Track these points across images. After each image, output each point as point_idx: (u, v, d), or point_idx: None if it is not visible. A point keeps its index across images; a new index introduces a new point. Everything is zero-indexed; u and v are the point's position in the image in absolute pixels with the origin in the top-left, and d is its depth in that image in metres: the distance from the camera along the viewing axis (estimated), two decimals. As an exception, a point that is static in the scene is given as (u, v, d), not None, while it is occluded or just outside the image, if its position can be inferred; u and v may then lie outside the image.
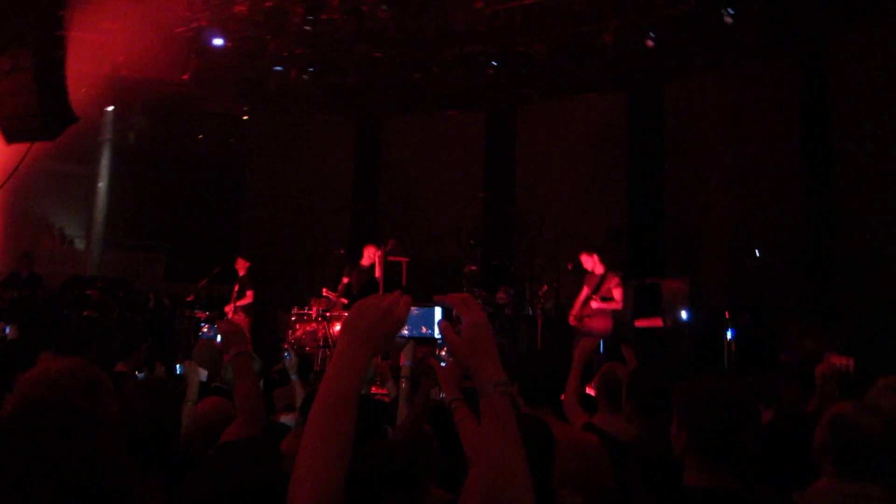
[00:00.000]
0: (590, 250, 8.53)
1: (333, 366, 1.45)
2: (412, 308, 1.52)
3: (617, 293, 8.10)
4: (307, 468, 1.36)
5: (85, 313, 9.60)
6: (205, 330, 3.57)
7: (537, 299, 9.33)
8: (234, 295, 10.32)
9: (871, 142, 8.65)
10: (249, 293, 10.30)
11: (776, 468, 2.58)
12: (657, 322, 8.65)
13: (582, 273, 8.61)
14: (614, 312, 8.21)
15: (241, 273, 10.43)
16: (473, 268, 10.40)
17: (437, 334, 7.69)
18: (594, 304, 8.15)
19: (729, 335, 7.81)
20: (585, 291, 8.41)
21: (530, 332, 9.41)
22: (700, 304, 9.00)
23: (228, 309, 10.28)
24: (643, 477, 2.63)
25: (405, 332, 2.16)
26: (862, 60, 8.96)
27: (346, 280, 9.78)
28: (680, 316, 8.73)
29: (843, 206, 9.00)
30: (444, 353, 7.39)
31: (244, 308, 10.28)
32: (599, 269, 8.40)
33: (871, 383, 3.09)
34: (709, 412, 2.02)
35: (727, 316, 7.95)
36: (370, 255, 9.78)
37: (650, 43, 9.70)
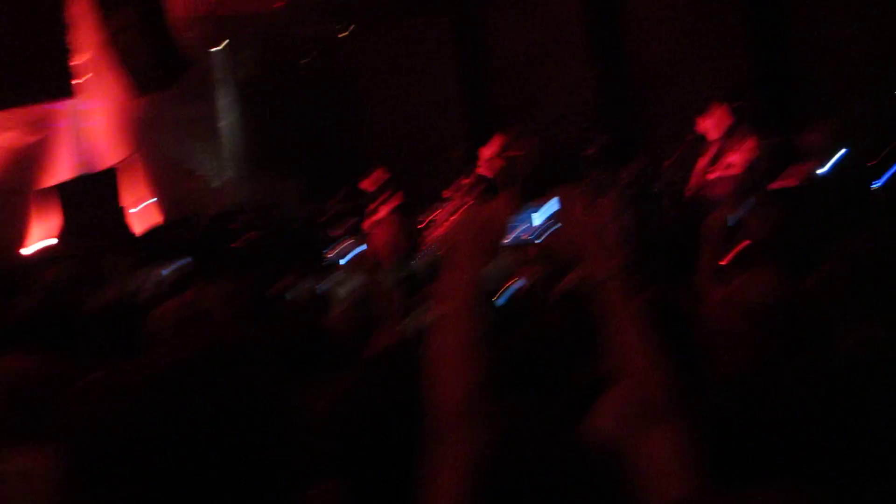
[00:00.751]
0: (704, 115, 8.03)
1: (444, 280, 1.50)
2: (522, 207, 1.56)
3: (735, 158, 7.63)
4: (439, 372, 1.42)
5: (233, 245, 10.07)
6: (341, 251, 3.73)
7: (661, 174, 9.03)
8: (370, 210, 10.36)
9: None
10: (386, 204, 10.34)
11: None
12: (792, 181, 8.13)
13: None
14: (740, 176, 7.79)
15: (372, 189, 10.45)
16: (593, 150, 10.15)
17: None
18: (716, 173, 7.72)
19: (879, 182, 7.23)
20: (703, 161, 7.99)
21: (658, 209, 9.16)
22: (842, 155, 8.31)
23: (367, 224, 10.32)
24: (793, 341, 2.58)
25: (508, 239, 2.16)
26: None
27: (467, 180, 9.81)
28: (819, 171, 8.15)
29: None
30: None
31: (384, 220, 10.29)
32: (716, 134, 7.93)
33: None
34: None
35: (874, 162, 7.34)
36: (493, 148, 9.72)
37: None
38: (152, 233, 10.97)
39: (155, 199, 12.08)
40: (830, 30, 9.57)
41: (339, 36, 13.43)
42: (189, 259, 6.69)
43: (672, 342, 2.58)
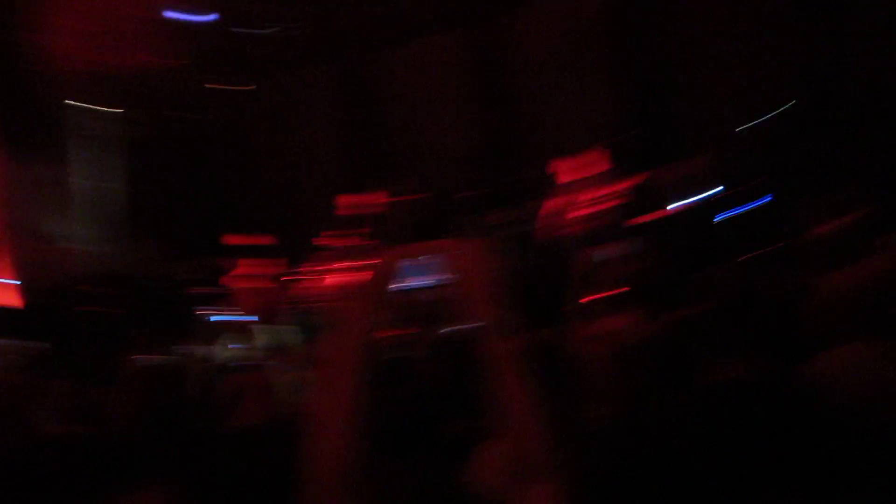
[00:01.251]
0: (561, 158, 8.46)
1: (332, 329, 1.49)
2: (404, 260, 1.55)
3: (589, 197, 8.07)
4: (319, 431, 1.40)
5: (88, 308, 9.58)
6: (210, 311, 3.57)
7: (536, 216, 9.28)
8: (238, 268, 10.26)
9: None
10: (256, 261, 10.22)
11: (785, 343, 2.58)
12: (658, 214, 8.54)
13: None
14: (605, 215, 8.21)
15: (246, 245, 10.35)
16: (472, 192, 10.33)
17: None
18: (575, 213, 8.11)
19: (729, 215, 7.70)
20: (556, 202, 8.37)
21: (531, 250, 9.37)
22: (691, 189, 8.82)
23: (235, 282, 10.19)
24: (663, 376, 2.63)
25: (396, 286, 2.18)
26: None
27: (333, 235, 9.85)
28: (682, 202, 8.60)
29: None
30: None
31: (253, 278, 10.21)
32: (572, 177, 8.36)
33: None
34: (738, 308, 2.04)
35: (732, 193, 7.82)
36: (348, 204, 9.82)
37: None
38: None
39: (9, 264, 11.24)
40: (689, 80, 10.20)
41: (232, 89, 13.12)
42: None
43: (548, 386, 2.59)
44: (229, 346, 4.19)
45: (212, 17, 11.49)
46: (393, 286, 1.64)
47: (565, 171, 8.43)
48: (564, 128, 11.06)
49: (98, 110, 12.74)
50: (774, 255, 6.27)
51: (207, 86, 13.01)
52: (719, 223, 7.77)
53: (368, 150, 12.84)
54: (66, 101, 12.34)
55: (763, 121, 8.52)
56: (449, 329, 4.13)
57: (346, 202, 10.08)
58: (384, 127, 12.84)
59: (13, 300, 10.14)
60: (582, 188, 8.19)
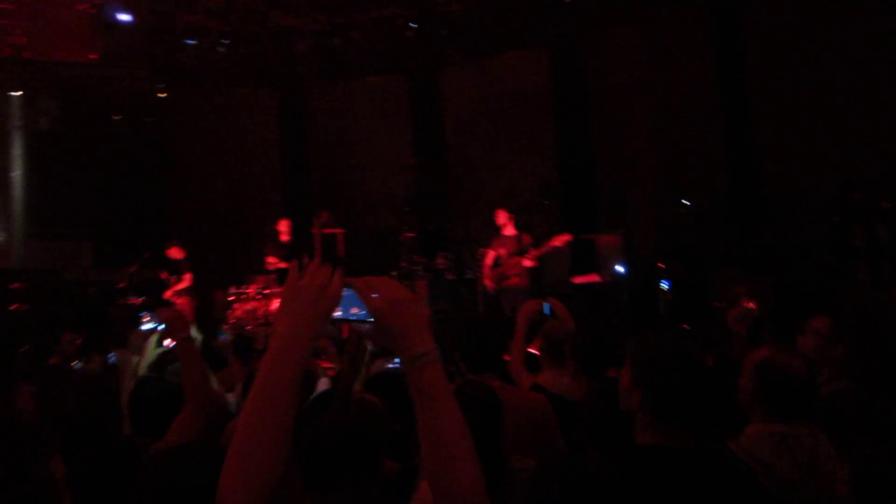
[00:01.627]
0: (502, 207, 8.70)
1: (272, 350, 1.41)
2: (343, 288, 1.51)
3: (558, 242, 8.27)
4: (242, 457, 1.31)
5: (12, 308, 9.26)
6: (145, 320, 3.45)
7: (476, 262, 9.38)
8: (173, 281, 10.11)
9: (786, 80, 8.87)
10: (187, 276, 10.10)
11: (716, 417, 2.67)
12: (594, 277, 8.81)
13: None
14: (547, 268, 8.42)
15: (178, 257, 10.19)
16: (410, 235, 10.37)
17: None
18: (527, 262, 8.28)
19: (664, 285, 8.00)
20: (493, 254, 8.56)
21: (471, 296, 9.47)
22: (634, 256, 9.19)
23: (167, 294, 10.06)
24: (592, 435, 2.68)
25: (337, 314, 2.16)
26: (773, 1, 9.15)
27: (270, 259, 9.80)
28: (615, 270, 8.91)
29: (764, 147, 9.25)
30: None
31: (186, 291, 10.07)
32: (512, 231, 8.54)
33: (796, 325, 3.22)
34: (666, 375, 2.05)
35: (661, 266, 8.13)
36: (286, 229, 9.83)
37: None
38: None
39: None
40: (627, 142, 10.58)
41: (158, 95, 12.87)
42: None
43: (483, 428, 2.61)
44: (159, 359, 4.06)
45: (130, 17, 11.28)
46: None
47: (506, 223, 8.60)
48: (507, 179, 11.29)
49: (30, 101, 12.31)
50: (699, 328, 6.53)
51: (160, 94, 12.77)
52: (655, 291, 8.02)
53: (307, 179, 12.80)
54: (4, 89, 11.93)
55: (693, 203, 8.91)
56: (384, 360, 4.10)
57: (286, 227, 10.01)
58: (326, 155, 12.82)
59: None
60: (521, 242, 8.36)
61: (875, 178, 7.21)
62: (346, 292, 1.63)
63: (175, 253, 10.15)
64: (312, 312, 1.45)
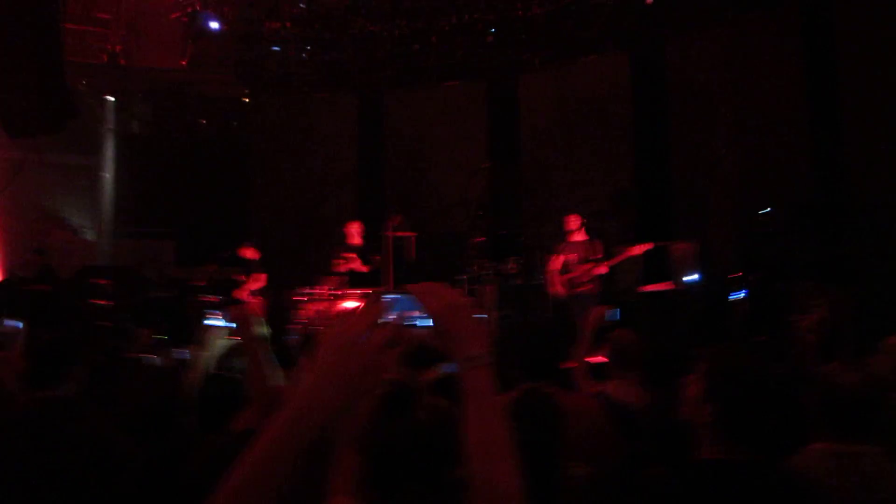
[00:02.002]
0: (575, 212, 8.55)
1: (286, 416, 1.31)
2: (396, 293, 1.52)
3: (638, 250, 8.15)
4: None
5: (95, 302, 9.68)
6: (212, 316, 3.52)
7: (545, 271, 9.30)
8: (245, 280, 10.38)
9: (878, 89, 8.49)
10: (261, 276, 10.33)
11: (784, 432, 2.57)
12: (667, 286, 8.59)
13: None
14: (618, 276, 8.27)
15: (252, 258, 10.45)
16: (482, 239, 10.36)
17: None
18: (601, 270, 8.15)
19: (740, 295, 7.75)
20: (562, 259, 8.41)
21: (540, 302, 9.39)
22: (710, 265, 8.93)
23: (241, 293, 10.33)
24: (654, 445, 2.62)
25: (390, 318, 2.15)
26: (867, 5, 8.77)
27: (338, 261, 9.90)
28: (689, 279, 8.67)
29: (852, 157, 8.86)
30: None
31: (259, 291, 10.31)
32: (583, 236, 8.38)
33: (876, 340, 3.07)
34: (741, 392, 2.02)
35: (738, 276, 7.88)
36: (356, 232, 9.90)
37: (649, 0, 9.56)
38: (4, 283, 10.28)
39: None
40: (707, 148, 10.30)
41: (243, 100, 13.31)
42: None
43: (541, 435, 2.58)
44: (228, 355, 4.17)
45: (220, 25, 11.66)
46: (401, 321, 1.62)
47: (577, 228, 8.48)
48: (583, 186, 11.16)
49: (123, 105, 12.89)
50: (774, 341, 6.28)
51: (244, 99, 13.21)
52: (728, 303, 7.79)
53: (383, 181, 12.97)
54: (99, 94, 12.54)
55: (774, 212, 8.61)
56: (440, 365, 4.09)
57: (357, 230, 10.11)
58: (402, 159, 12.97)
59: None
60: (593, 248, 8.22)
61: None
62: (402, 297, 1.65)
63: (249, 253, 10.41)
64: (347, 372, 1.35)
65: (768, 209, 8.69)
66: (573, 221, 8.56)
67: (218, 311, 3.66)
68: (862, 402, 2.28)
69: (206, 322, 3.62)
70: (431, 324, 1.47)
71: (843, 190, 8.87)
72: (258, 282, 10.31)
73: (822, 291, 6.68)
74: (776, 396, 2.04)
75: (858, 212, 8.50)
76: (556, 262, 8.52)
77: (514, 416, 2.60)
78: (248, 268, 10.41)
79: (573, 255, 8.41)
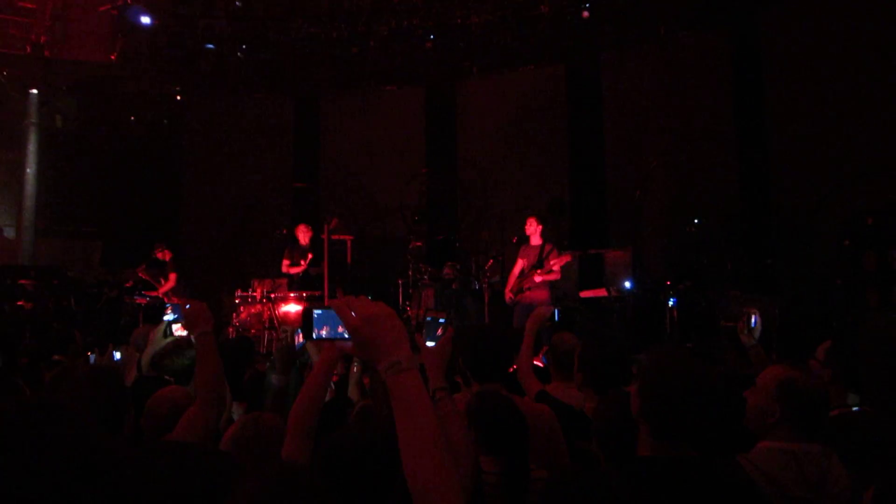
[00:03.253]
0: (539, 218, 8.50)
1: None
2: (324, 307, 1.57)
3: (556, 264, 8.11)
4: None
5: (18, 304, 9.30)
6: (168, 311, 3.41)
7: (483, 273, 9.37)
8: (162, 281, 10.17)
9: (803, 104, 8.90)
10: (172, 276, 10.13)
11: (723, 431, 2.66)
12: (601, 292, 8.78)
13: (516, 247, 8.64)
14: (556, 283, 8.28)
15: (165, 259, 10.25)
16: (418, 244, 10.38)
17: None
18: (538, 278, 8.12)
19: (671, 303, 7.98)
20: (521, 264, 8.40)
21: (477, 307, 9.46)
22: (642, 273, 9.18)
23: (159, 294, 10.11)
24: (604, 447, 2.67)
25: (323, 333, 2.24)
26: (791, 29, 9.18)
27: (287, 261, 9.78)
28: (623, 286, 8.88)
29: (777, 169, 9.25)
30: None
31: (174, 292, 10.10)
32: (538, 241, 8.40)
33: (802, 346, 3.21)
34: (667, 389, 2.05)
35: (668, 284, 8.11)
36: (304, 234, 9.82)
37: (586, 14, 9.78)
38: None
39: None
40: (640, 159, 10.59)
41: (176, 98, 12.96)
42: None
43: (509, 439, 2.61)
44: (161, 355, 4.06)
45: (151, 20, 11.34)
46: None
47: (536, 231, 8.43)
48: (519, 193, 11.31)
49: (48, 99, 12.40)
50: (702, 346, 6.49)
51: (177, 97, 12.86)
52: (662, 308, 8.01)
53: (318, 185, 12.84)
54: (22, 86, 12.05)
55: (704, 222, 8.92)
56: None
57: (305, 232, 9.95)
58: (339, 164, 12.89)
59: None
60: (536, 254, 8.25)
61: (889, 204, 7.19)
62: (328, 312, 1.71)
63: (163, 254, 10.22)
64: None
65: (697, 220, 8.98)
66: (530, 224, 8.44)
67: (170, 306, 3.56)
68: (823, 405, 2.37)
69: (165, 318, 3.54)
70: (351, 336, 1.53)
71: (767, 203, 9.25)
72: (170, 282, 10.11)
73: (750, 300, 6.96)
74: (708, 396, 2.08)
75: (782, 224, 8.88)
76: (516, 266, 8.45)
77: (476, 420, 2.63)
78: (163, 269, 10.21)
79: (524, 260, 8.38)
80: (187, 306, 2.97)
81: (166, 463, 1.72)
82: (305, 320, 2.03)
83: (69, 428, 1.39)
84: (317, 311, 2.08)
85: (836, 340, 3.47)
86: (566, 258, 8.04)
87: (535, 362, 4.74)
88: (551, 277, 8.08)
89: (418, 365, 1.53)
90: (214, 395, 2.82)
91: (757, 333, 3.87)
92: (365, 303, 1.55)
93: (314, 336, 2.10)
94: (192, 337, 2.89)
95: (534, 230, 8.36)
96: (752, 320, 3.83)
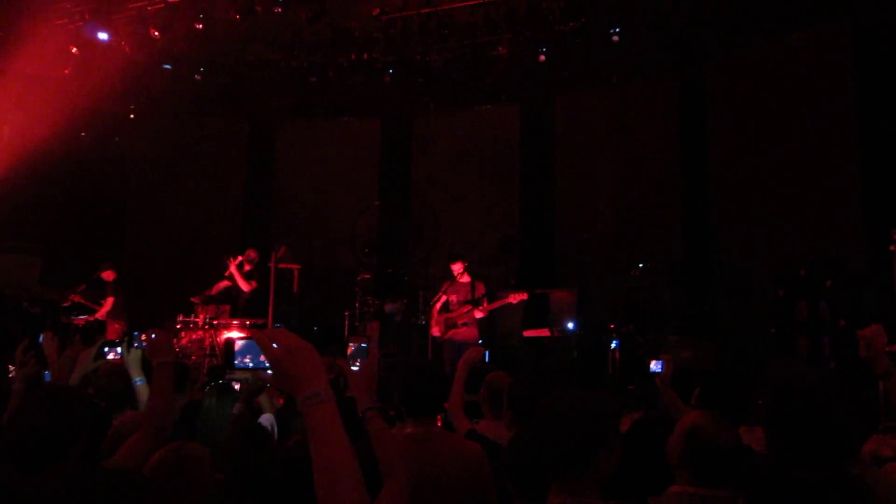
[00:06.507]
0: (460, 259, 8.61)
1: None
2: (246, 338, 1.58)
3: (485, 302, 8.26)
4: None
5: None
6: (135, 342, 3.31)
7: (430, 308, 9.37)
8: (102, 302, 9.94)
9: (744, 156, 9.19)
10: (110, 299, 9.90)
11: (636, 473, 2.68)
12: (544, 332, 8.85)
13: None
14: (499, 320, 8.38)
15: (108, 279, 10.01)
16: (367, 276, 10.34)
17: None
18: (479, 314, 8.23)
19: (613, 345, 8.08)
20: (444, 299, 8.51)
21: (422, 341, 9.43)
22: (586, 314, 9.29)
23: (99, 316, 9.86)
24: (515, 485, 2.67)
25: (247, 361, 2.28)
26: (735, 80, 9.53)
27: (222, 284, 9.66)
28: (567, 326, 8.97)
29: (719, 218, 9.50)
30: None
31: (112, 315, 9.87)
32: (466, 279, 8.49)
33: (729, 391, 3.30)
34: (554, 428, 2.06)
35: (612, 327, 8.22)
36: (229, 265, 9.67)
37: (542, 57, 10.00)
38: None
39: None
40: (589, 202, 10.78)
41: (129, 117, 12.77)
42: None
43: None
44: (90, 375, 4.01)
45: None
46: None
47: (461, 273, 8.52)
48: (470, 230, 11.40)
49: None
50: (641, 389, 6.56)
51: (130, 115, 12.68)
52: (604, 350, 8.10)
53: (268, 213, 12.75)
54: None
55: (647, 266, 9.10)
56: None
57: (242, 258, 9.82)
58: (290, 192, 12.83)
59: None
60: (477, 290, 8.32)
61: (821, 256, 7.44)
62: (250, 343, 1.72)
63: (107, 275, 9.99)
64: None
65: (641, 264, 9.15)
66: (457, 267, 8.57)
67: (136, 335, 3.54)
68: (729, 453, 2.41)
69: (134, 345, 3.54)
70: (271, 367, 1.55)
71: (709, 249, 9.48)
72: (106, 305, 9.88)
73: (688, 344, 7.09)
74: (603, 435, 2.07)
75: (722, 271, 9.10)
76: (439, 301, 8.57)
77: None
78: (103, 290, 9.98)
79: (454, 295, 8.48)
80: (153, 335, 3.06)
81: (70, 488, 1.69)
82: (227, 350, 2.03)
83: None
84: (239, 342, 2.07)
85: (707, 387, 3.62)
86: (522, 296, 8.18)
87: (473, 398, 4.75)
88: (479, 315, 8.23)
89: (334, 397, 1.54)
90: (162, 423, 2.87)
91: (666, 377, 3.97)
92: (286, 335, 1.58)
93: (236, 365, 2.09)
94: (153, 364, 2.96)
95: (459, 270, 8.46)
96: (655, 365, 3.94)
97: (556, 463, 2.05)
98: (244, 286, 9.57)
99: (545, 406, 2.13)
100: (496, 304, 8.46)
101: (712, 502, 2.34)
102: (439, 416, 3.70)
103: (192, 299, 9.60)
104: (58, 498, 1.57)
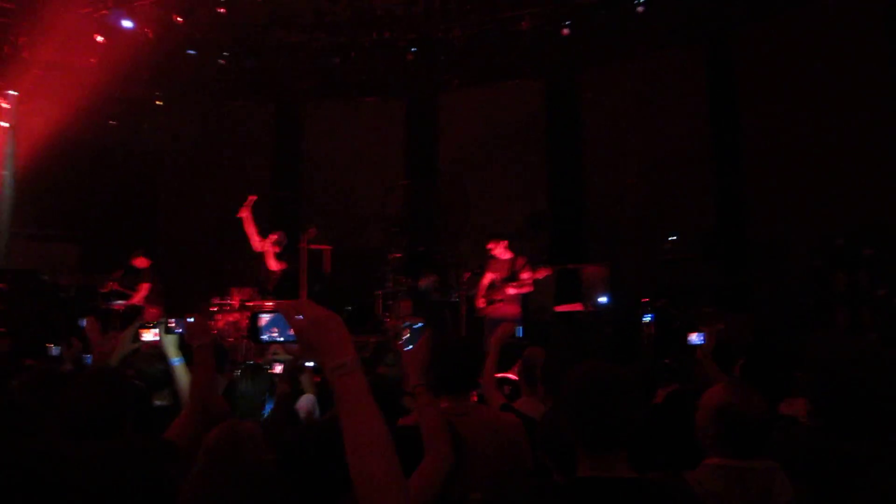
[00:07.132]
0: (497, 238, 8.48)
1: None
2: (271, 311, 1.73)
3: (527, 277, 8.12)
4: None
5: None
6: (171, 325, 3.40)
7: (461, 285, 9.37)
8: (137, 288, 10.07)
9: (777, 126, 9.02)
10: (145, 286, 10.02)
11: (670, 446, 2.66)
12: (577, 307, 8.82)
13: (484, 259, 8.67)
14: (531, 296, 8.30)
15: (142, 266, 10.15)
16: (397, 255, 10.36)
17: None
18: (511, 290, 8.15)
19: (647, 319, 8.03)
20: (489, 277, 8.43)
21: (454, 319, 9.45)
22: (619, 288, 9.23)
23: (135, 302, 10.01)
24: (552, 458, 2.66)
25: (275, 335, 2.32)
26: (766, 48, 9.33)
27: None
28: (599, 301, 8.93)
29: (752, 189, 9.36)
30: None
31: (149, 300, 10.01)
32: (507, 255, 8.41)
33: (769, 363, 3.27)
34: (582, 402, 2.00)
35: (644, 300, 8.16)
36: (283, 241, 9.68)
37: (566, 31, 9.87)
38: None
39: None
40: (618, 176, 10.67)
41: (156, 104, 12.87)
42: None
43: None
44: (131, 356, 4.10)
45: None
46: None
47: (496, 249, 8.45)
48: (498, 206, 11.36)
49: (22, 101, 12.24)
50: (677, 363, 6.52)
51: (157, 102, 12.77)
52: (637, 324, 8.05)
53: (297, 194, 12.79)
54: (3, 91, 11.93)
55: (679, 239, 9.00)
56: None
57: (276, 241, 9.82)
58: (319, 173, 12.86)
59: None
60: (517, 265, 8.23)
61: (859, 226, 7.30)
62: (276, 316, 1.75)
63: (139, 262, 10.12)
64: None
65: (673, 237, 9.06)
66: (492, 247, 8.50)
67: (174, 320, 3.60)
68: (762, 424, 2.39)
69: (174, 330, 3.62)
70: (297, 339, 1.57)
71: (741, 221, 9.35)
72: (141, 291, 10.01)
73: (722, 316, 7.02)
74: (630, 408, 2.01)
75: (756, 242, 8.98)
76: (485, 278, 8.49)
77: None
78: (139, 276, 10.12)
79: (496, 273, 8.40)
80: (190, 319, 3.17)
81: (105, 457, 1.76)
82: (252, 324, 2.05)
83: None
84: (265, 315, 2.09)
85: (749, 360, 3.57)
86: (545, 272, 8.06)
87: (508, 376, 4.78)
88: (525, 290, 8.11)
89: (361, 367, 1.56)
90: (204, 403, 2.95)
91: (707, 350, 3.94)
92: (311, 306, 1.59)
93: (263, 339, 2.11)
94: (193, 347, 3.05)
95: (497, 248, 8.36)
96: (698, 337, 3.90)
97: (583, 437, 2.02)
98: (273, 265, 9.59)
99: (571, 380, 2.09)
100: (518, 288, 8.23)
101: (750, 474, 2.33)
102: (474, 393, 3.71)
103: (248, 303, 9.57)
104: (120, 461, 1.61)
